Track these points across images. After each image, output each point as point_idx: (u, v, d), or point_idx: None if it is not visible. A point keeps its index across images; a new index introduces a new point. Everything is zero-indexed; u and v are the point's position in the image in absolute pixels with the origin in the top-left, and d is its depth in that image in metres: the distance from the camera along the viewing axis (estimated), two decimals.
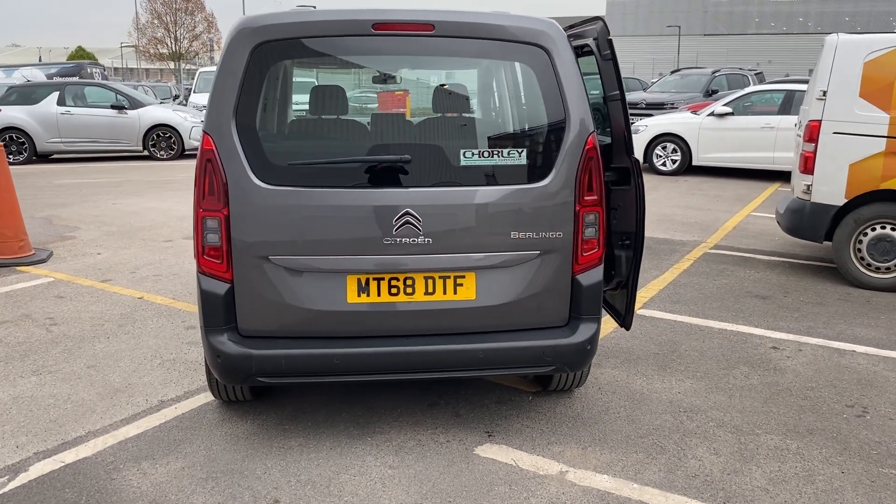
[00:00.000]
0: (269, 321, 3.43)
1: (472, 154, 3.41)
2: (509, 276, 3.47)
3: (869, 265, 6.43)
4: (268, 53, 3.31)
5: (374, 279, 3.41)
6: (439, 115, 3.62)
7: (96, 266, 6.90)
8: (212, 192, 3.31)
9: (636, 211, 3.77)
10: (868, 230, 6.39)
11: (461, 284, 3.46)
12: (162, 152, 15.92)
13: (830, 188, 6.41)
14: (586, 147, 3.43)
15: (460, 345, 3.44)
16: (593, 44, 3.67)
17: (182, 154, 16.03)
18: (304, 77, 3.70)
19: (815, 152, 6.43)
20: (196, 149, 16.11)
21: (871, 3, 60.87)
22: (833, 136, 6.32)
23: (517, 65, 3.42)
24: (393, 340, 3.45)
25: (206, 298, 3.39)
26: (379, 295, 3.42)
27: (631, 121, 4.24)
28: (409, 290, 3.44)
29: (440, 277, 3.44)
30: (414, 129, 3.58)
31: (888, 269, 6.37)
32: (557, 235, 3.47)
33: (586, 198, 3.46)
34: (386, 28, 3.33)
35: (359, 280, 3.41)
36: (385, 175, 3.39)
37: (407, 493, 3.22)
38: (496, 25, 3.39)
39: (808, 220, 6.60)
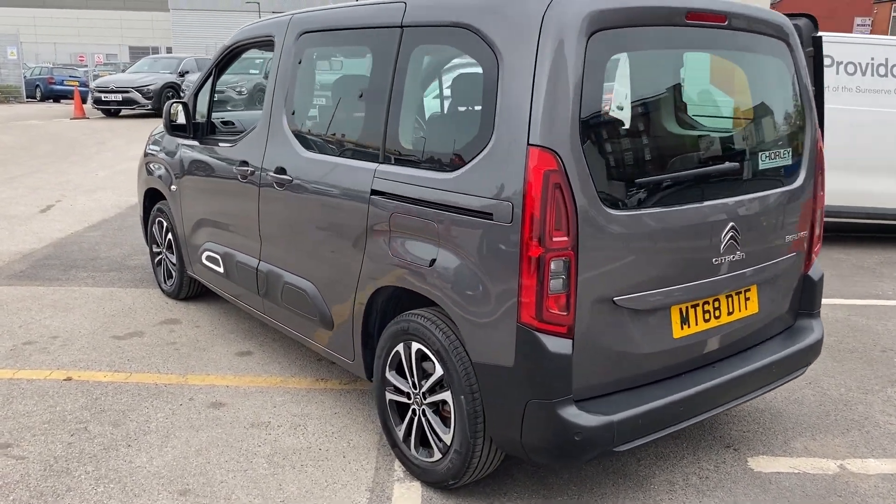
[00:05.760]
0: (601, 376, 2.78)
1: (765, 157, 3.18)
2: (777, 282, 3.34)
3: None
4: (602, 45, 2.62)
5: (691, 307, 2.98)
6: (738, 114, 3.27)
7: None
8: (559, 226, 2.54)
9: None
10: None
11: (749, 298, 3.22)
12: None
13: None
14: (818, 144, 3.44)
15: (759, 361, 3.21)
16: None
17: None
18: (623, 73, 2.96)
19: None
20: None
21: None
22: None
23: (773, 59, 3.24)
24: (709, 372, 3.07)
25: (553, 363, 2.60)
26: (696, 324, 3.01)
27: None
28: (717, 312, 3.09)
29: (735, 294, 3.15)
30: (723, 131, 3.18)
31: None
32: (804, 234, 3.43)
33: (819, 194, 3.48)
34: (697, 18, 2.88)
35: (681, 310, 2.95)
36: (712, 187, 2.97)
37: None
38: (767, 20, 3.17)
39: None
